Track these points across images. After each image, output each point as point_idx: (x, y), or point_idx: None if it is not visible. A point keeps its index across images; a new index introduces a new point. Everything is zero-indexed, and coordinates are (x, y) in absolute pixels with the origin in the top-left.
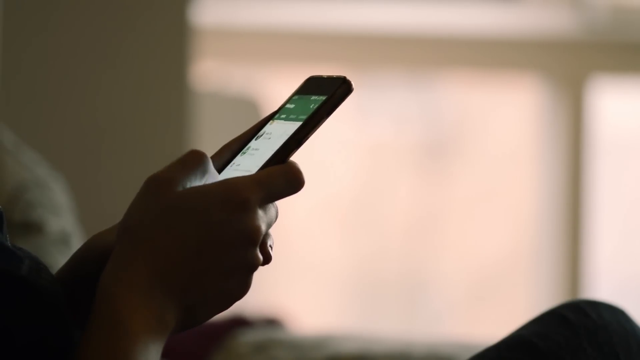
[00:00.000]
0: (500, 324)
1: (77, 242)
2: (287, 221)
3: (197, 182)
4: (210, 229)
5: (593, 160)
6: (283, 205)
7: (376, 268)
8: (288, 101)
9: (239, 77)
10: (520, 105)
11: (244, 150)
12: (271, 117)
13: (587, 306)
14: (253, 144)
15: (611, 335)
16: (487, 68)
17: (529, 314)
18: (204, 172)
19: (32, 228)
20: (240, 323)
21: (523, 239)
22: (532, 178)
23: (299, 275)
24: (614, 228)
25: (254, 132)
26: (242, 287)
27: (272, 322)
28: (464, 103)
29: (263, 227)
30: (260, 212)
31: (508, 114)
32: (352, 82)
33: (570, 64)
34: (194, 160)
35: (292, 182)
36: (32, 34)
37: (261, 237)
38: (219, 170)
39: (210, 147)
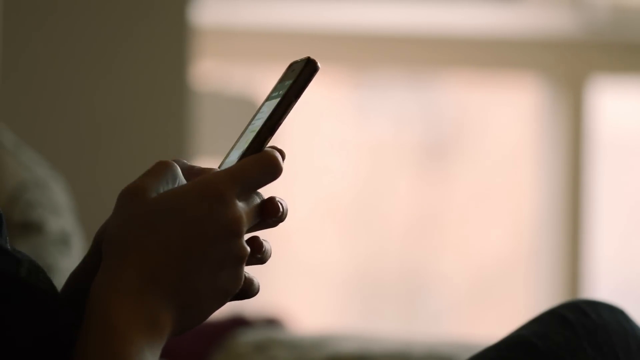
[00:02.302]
0: (500, 324)
1: (77, 242)
2: (287, 221)
3: (168, 188)
4: (191, 226)
5: (593, 161)
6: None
7: (376, 268)
8: (273, 90)
9: (239, 77)
10: (520, 105)
11: (235, 143)
12: (262, 105)
13: (587, 306)
14: (243, 134)
15: (610, 335)
16: (487, 68)
17: (529, 314)
18: (174, 177)
19: (32, 228)
20: (240, 323)
21: (523, 239)
22: (532, 178)
23: (299, 275)
24: (614, 228)
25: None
26: (234, 281)
27: (272, 322)
28: (464, 103)
29: (244, 217)
30: (239, 204)
31: (508, 114)
32: (317, 61)
33: (570, 64)
34: (162, 168)
35: (267, 169)
36: (32, 34)
37: (244, 227)
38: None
39: (210, 147)
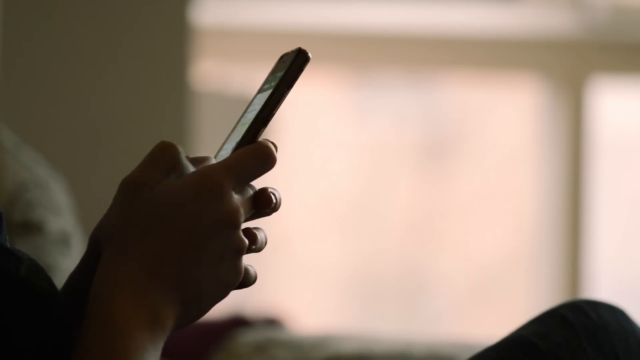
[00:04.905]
0: (500, 324)
1: (77, 242)
2: (287, 221)
3: (172, 175)
4: (190, 220)
5: (593, 160)
6: (283, 205)
7: (376, 268)
8: (265, 82)
9: (239, 77)
10: (520, 105)
11: (228, 136)
12: (254, 97)
13: (587, 306)
14: (237, 126)
15: (611, 335)
16: (487, 68)
17: (529, 314)
18: (176, 163)
19: (32, 228)
20: (240, 323)
21: (523, 239)
22: (532, 178)
23: (299, 275)
24: (614, 228)
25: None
26: (234, 273)
27: (272, 322)
28: (464, 103)
29: (241, 209)
30: (235, 195)
31: (508, 114)
32: (308, 51)
33: (570, 64)
34: (164, 154)
35: (261, 160)
36: (32, 34)
37: (241, 219)
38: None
39: (210, 147)
